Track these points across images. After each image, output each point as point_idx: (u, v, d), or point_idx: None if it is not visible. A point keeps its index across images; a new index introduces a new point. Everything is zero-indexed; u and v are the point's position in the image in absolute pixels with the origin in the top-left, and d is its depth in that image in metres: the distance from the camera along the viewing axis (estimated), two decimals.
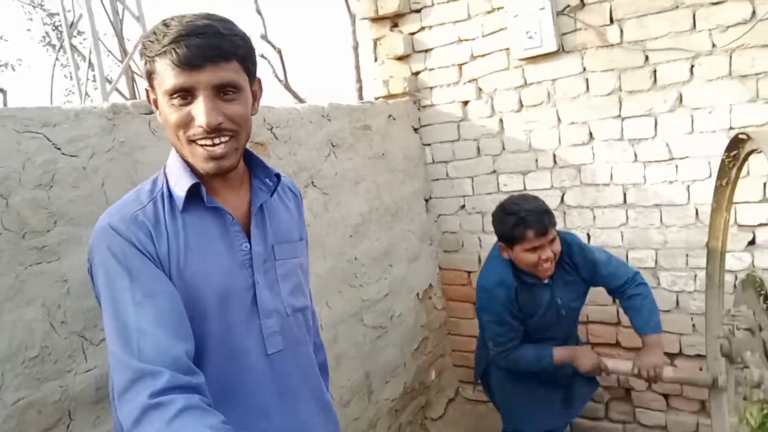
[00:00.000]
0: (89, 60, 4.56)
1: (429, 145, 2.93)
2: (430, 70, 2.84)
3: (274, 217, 1.10)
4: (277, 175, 1.10)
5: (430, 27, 2.79)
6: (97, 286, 0.93)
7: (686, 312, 2.42)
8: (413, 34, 2.85)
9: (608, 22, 2.36)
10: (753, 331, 1.32)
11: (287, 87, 9.59)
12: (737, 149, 1.55)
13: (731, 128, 2.18)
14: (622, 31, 2.34)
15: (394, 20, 2.88)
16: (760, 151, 1.41)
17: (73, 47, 5.24)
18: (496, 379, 2.25)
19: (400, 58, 2.89)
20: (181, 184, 0.98)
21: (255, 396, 1.03)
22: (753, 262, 2.23)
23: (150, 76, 0.94)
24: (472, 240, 2.89)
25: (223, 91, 0.93)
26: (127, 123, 1.39)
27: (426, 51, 2.83)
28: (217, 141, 0.93)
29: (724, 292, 1.94)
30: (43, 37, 10.80)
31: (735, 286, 1.91)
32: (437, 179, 2.95)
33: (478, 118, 2.76)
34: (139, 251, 0.92)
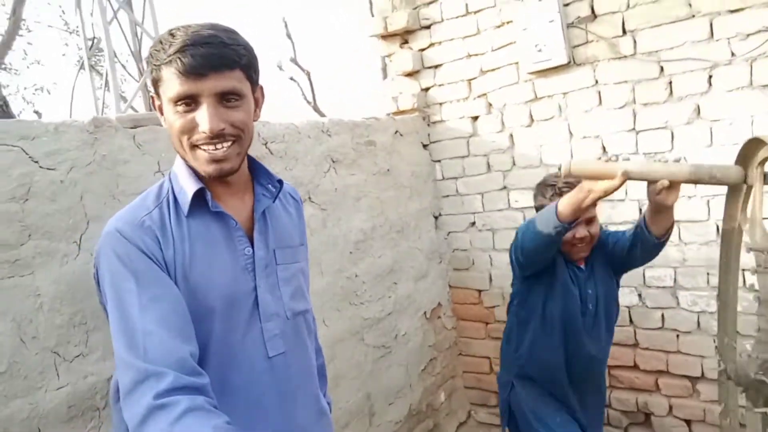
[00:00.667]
0: (105, 79, 4.70)
1: (439, 161, 2.88)
2: (440, 85, 2.81)
3: (276, 222, 1.12)
4: (280, 181, 1.12)
5: (440, 43, 2.76)
6: (103, 290, 0.94)
7: (708, 333, 2.28)
8: (423, 50, 2.83)
9: (621, 33, 2.30)
10: None
11: (316, 109, 9.69)
12: (751, 155, 1.43)
13: None
14: (635, 41, 2.28)
15: (404, 37, 2.86)
16: None
17: (92, 68, 5.41)
18: (525, 399, 1.96)
19: (409, 74, 2.88)
20: (186, 189, 1.00)
21: (255, 398, 1.03)
22: None
23: (156, 83, 0.97)
24: (483, 258, 2.81)
25: (226, 99, 0.95)
26: (110, 137, 1.38)
27: (435, 67, 2.80)
28: (219, 146, 0.96)
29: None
30: (78, 61, 11.16)
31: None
32: (447, 196, 2.89)
33: (488, 134, 2.70)
34: (145, 255, 0.93)
